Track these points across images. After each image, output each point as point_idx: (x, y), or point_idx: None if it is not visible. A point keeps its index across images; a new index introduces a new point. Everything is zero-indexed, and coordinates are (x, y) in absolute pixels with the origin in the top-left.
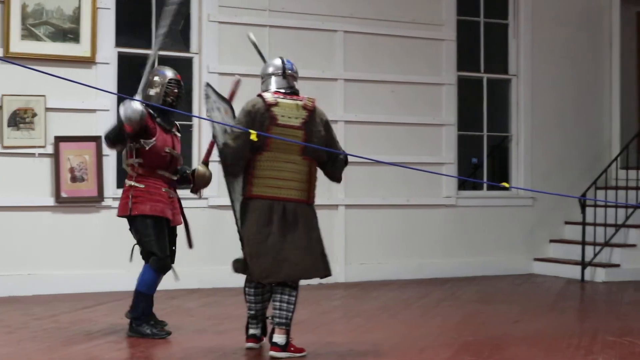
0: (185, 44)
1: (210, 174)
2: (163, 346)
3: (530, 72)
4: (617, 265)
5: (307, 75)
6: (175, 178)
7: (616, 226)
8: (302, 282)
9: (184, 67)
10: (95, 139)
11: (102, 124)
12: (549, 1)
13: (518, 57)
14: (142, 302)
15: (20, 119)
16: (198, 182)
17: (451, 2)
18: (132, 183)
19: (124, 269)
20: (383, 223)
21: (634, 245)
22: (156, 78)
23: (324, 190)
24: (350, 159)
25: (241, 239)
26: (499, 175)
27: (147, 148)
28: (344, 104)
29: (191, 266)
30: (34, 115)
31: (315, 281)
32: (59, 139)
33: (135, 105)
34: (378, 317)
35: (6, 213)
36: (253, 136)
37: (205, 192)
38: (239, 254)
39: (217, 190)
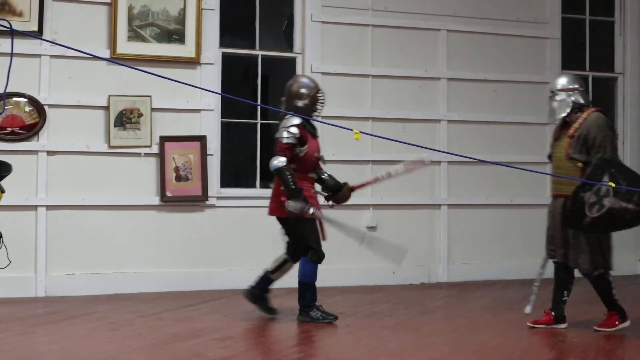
0: (288, 44)
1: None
2: (265, 344)
3: (637, 70)
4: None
5: (410, 74)
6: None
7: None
8: (405, 282)
9: (287, 67)
10: (200, 138)
11: (207, 124)
12: None
13: (625, 55)
14: (308, 291)
15: (126, 119)
16: (340, 200)
17: None
18: None
19: (226, 267)
20: (486, 223)
21: None
22: (303, 90)
23: (427, 189)
24: (453, 158)
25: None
26: None
27: (300, 155)
28: (447, 103)
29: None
30: (140, 115)
31: (418, 280)
32: (164, 139)
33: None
34: (480, 318)
35: (113, 212)
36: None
37: None
38: (341, 252)
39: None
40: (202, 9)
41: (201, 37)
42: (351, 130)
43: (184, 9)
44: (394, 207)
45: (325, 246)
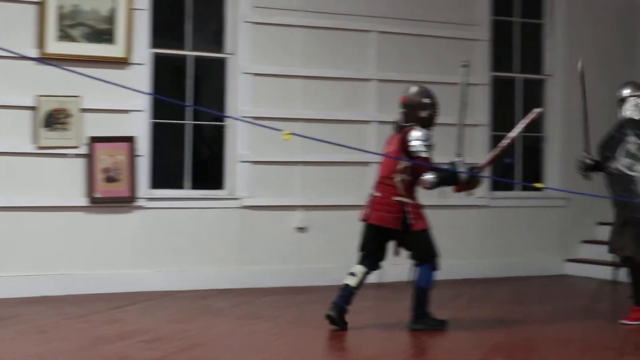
0: (219, 45)
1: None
2: (192, 346)
3: (564, 72)
4: None
5: (340, 75)
6: None
7: None
8: (335, 283)
9: (219, 68)
10: (129, 139)
11: (137, 125)
12: (584, 1)
13: (553, 57)
14: (425, 298)
15: (55, 119)
16: (473, 186)
17: (485, 2)
18: (406, 200)
19: (156, 268)
20: None
21: None
22: (426, 100)
23: (357, 190)
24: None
25: None
26: (533, 175)
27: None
28: (377, 105)
29: (222, 266)
30: (69, 115)
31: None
32: (93, 140)
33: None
34: (409, 318)
35: (41, 213)
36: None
37: (238, 192)
38: (270, 254)
39: (250, 191)
40: (132, 9)
41: (132, 37)
42: (281, 131)
43: (115, 8)
44: (324, 208)
45: (254, 247)
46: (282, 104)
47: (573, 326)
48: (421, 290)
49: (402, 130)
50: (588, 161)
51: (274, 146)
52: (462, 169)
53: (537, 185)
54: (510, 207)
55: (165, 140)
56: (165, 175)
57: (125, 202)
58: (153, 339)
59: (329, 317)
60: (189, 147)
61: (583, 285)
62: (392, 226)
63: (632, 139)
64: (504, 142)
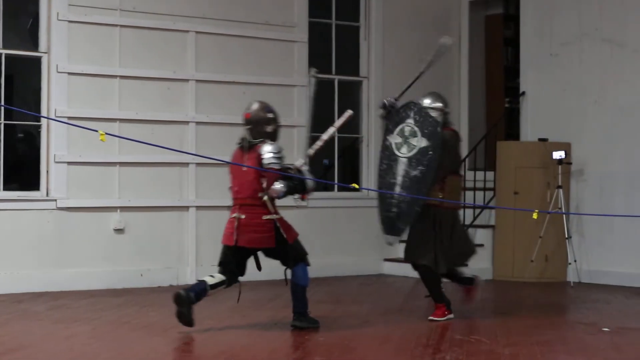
0: (34, 43)
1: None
2: (7, 352)
3: (380, 74)
4: (465, 265)
5: (158, 75)
6: None
7: (464, 226)
8: (153, 285)
9: (33, 67)
10: None
11: None
12: (400, 4)
13: (369, 59)
14: (305, 295)
15: None
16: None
17: (303, 4)
18: (275, 217)
19: None
20: None
21: (481, 245)
22: (270, 115)
23: (175, 191)
24: (201, 160)
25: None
26: (350, 176)
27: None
28: (195, 105)
29: (38, 269)
30: None
31: (167, 283)
32: None
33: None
34: (229, 319)
35: None
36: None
37: (54, 193)
38: (88, 256)
39: (67, 192)
40: None
41: None
42: (97, 131)
43: None
44: (142, 210)
45: (71, 249)
46: (99, 104)
47: (390, 325)
48: (301, 289)
49: (254, 148)
50: (386, 101)
51: (90, 147)
52: (308, 175)
53: (354, 185)
54: (327, 208)
55: None
56: None
57: None
58: None
59: (178, 295)
60: (2, 148)
61: (400, 285)
62: (267, 246)
63: (410, 121)
64: (319, 143)
